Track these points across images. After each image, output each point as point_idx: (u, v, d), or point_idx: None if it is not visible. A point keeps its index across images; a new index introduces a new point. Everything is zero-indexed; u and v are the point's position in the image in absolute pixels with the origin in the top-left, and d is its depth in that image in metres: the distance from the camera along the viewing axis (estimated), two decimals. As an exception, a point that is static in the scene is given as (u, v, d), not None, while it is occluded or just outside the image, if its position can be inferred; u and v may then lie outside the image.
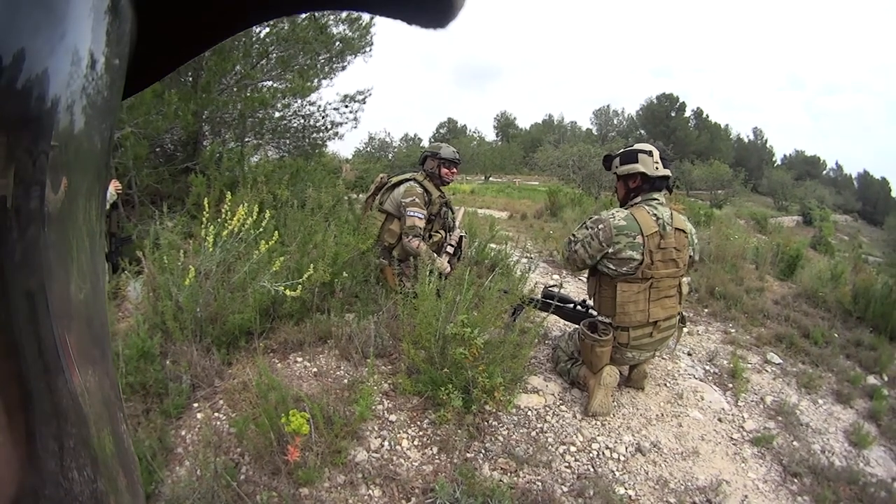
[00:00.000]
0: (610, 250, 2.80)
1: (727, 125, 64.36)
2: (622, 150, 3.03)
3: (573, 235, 3.01)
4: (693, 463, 2.63)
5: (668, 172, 2.91)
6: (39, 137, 0.21)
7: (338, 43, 7.00)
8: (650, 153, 2.89)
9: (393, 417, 2.57)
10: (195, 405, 2.53)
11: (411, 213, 3.58)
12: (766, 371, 3.77)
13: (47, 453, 0.23)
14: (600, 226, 2.83)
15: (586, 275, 3.12)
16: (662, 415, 2.98)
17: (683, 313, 3.11)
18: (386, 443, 2.41)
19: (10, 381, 0.21)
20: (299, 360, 2.92)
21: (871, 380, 3.84)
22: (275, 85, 6.73)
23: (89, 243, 0.28)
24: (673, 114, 55.67)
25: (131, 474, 0.32)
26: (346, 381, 2.74)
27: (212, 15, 0.34)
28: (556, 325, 3.85)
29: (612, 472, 2.49)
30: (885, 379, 3.92)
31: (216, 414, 2.48)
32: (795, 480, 2.61)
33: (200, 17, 0.34)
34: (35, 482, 0.22)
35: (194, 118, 5.73)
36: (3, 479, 0.20)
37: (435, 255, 3.66)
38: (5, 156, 0.19)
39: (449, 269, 3.62)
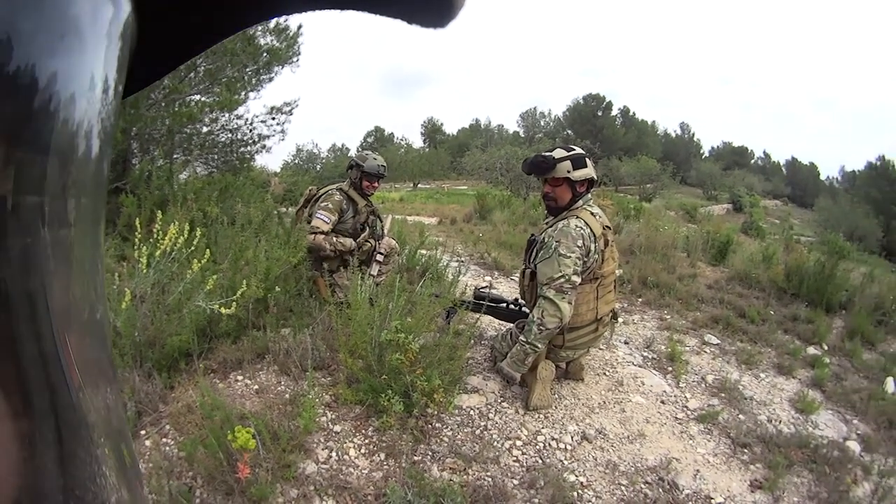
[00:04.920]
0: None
1: (654, 121, 67.03)
2: (567, 154, 2.85)
3: (561, 275, 2.70)
4: (640, 445, 2.69)
5: None
6: (41, 139, 0.21)
7: (265, 54, 6.89)
8: (588, 156, 2.93)
9: (338, 428, 2.54)
10: (142, 432, 2.43)
11: (318, 215, 3.61)
12: (705, 352, 3.91)
13: (47, 454, 0.23)
14: (579, 242, 2.73)
15: (518, 275, 3.08)
16: (605, 402, 3.04)
17: (616, 307, 3.16)
18: (333, 453, 2.38)
19: (10, 381, 0.21)
20: (240, 378, 2.85)
21: (811, 350, 4.02)
22: (203, 99, 6.57)
23: (91, 246, 0.28)
24: (600, 113, 56.90)
25: (136, 484, 0.32)
26: (287, 395, 2.69)
27: (209, 16, 0.33)
28: (492, 325, 3.87)
29: (561, 461, 2.53)
30: (826, 348, 4.12)
31: (164, 439, 2.39)
32: (745, 451, 2.70)
33: (199, 19, 0.33)
34: (35, 483, 0.22)
35: (123, 136, 5.54)
36: (3, 480, 0.20)
37: (343, 237, 3.72)
38: (6, 157, 0.19)
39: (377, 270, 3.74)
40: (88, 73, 0.23)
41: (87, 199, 0.26)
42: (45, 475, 0.23)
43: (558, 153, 2.87)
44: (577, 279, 2.73)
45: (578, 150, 2.90)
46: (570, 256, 2.71)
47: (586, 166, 2.85)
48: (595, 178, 2.92)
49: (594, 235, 2.78)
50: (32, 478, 0.22)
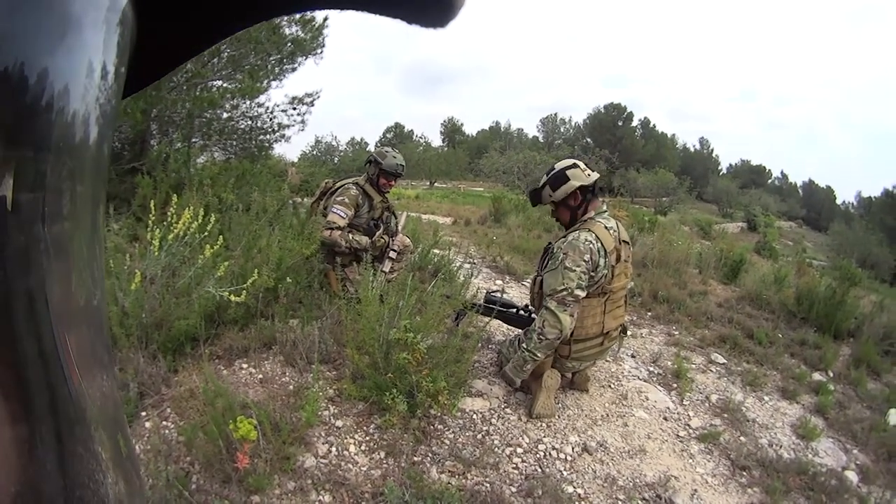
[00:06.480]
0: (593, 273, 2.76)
1: (673, 135, 66.50)
2: (545, 179, 2.89)
3: (564, 288, 2.68)
4: (640, 461, 2.67)
5: (597, 174, 2.88)
6: (39, 136, 0.21)
7: (289, 44, 6.90)
8: (575, 165, 2.86)
9: (339, 423, 2.54)
10: (143, 414, 2.44)
11: (334, 210, 3.60)
12: (711, 371, 3.87)
13: (48, 452, 0.23)
14: (586, 257, 2.69)
15: (529, 280, 3.07)
16: (607, 415, 3.02)
17: (625, 321, 3.13)
18: (333, 448, 2.38)
19: (9, 380, 0.21)
20: (245, 366, 2.86)
21: (817, 376, 3.98)
22: (224, 85, 6.59)
23: (91, 231, 0.28)
24: (620, 123, 56.17)
25: (132, 473, 0.32)
26: (291, 387, 2.70)
27: (209, 16, 0.33)
28: (500, 329, 3.86)
29: (560, 471, 2.51)
30: (831, 375, 4.08)
31: (164, 422, 2.40)
32: (744, 473, 2.68)
33: (199, 18, 0.33)
34: (36, 481, 0.22)
35: (143, 116, 5.57)
36: (4, 478, 0.20)
37: (359, 235, 3.71)
38: (4, 157, 0.19)
39: (390, 268, 3.71)
40: (85, 60, 0.23)
41: (87, 186, 0.26)
42: (44, 475, 0.22)
43: (542, 179, 2.90)
44: (581, 293, 2.70)
45: (560, 166, 2.88)
46: (574, 270, 2.68)
47: (568, 179, 2.81)
48: (588, 183, 2.82)
49: (605, 250, 2.74)
50: (32, 477, 0.22)
